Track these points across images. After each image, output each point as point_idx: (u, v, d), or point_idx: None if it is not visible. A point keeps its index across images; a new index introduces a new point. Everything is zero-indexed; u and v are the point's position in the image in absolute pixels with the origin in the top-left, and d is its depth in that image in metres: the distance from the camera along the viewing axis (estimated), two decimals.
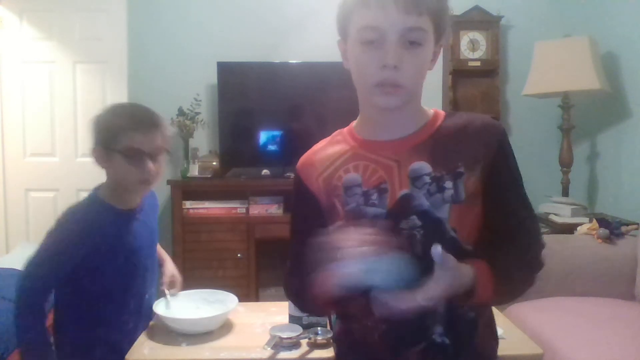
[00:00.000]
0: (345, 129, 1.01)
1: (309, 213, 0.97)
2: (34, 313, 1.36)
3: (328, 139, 1.02)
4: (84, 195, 1.58)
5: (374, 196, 0.90)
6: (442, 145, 0.91)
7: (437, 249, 0.76)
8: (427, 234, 0.87)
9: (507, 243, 0.89)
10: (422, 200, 0.88)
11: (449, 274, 0.78)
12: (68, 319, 1.48)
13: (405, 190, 0.89)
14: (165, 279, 1.69)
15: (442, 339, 0.89)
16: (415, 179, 0.89)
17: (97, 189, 1.50)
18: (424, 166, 0.89)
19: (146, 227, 1.55)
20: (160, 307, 1.57)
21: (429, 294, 0.76)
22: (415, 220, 0.87)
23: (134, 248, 1.50)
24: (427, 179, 0.88)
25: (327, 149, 0.99)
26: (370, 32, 0.85)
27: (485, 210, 0.91)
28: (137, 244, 1.51)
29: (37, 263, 1.38)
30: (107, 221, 1.44)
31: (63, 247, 1.39)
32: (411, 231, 0.87)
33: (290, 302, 1.43)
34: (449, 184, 0.88)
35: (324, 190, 0.95)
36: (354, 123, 1.00)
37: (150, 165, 1.40)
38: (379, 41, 0.84)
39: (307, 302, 1.00)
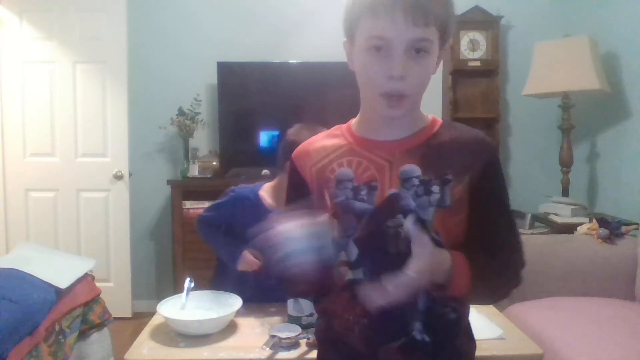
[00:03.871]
0: (344, 125, 1.04)
1: (299, 200, 1.00)
2: (211, 232, 1.98)
3: (326, 132, 1.06)
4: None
5: (364, 192, 0.93)
6: (434, 151, 0.94)
7: (409, 223, 0.83)
8: None
9: (487, 256, 0.92)
10: (409, 201, 0.90)
11: (427, 251, 0.82)
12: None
13: (393, 190, 0.91)
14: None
15: (421, 336, 0.92)
16: (405, 180, 0.92)
17: (261, 189, 1.99)
18: (414, 169, 0.92)
19: None
20: (164, 309, 1.57)
21: (413, 268, 0.80)
22: (401, 219, 0.90)
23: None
24: (416, 181, 0.91)
25: (324, 141, 1.02)
26: (377, 41, 0.86)
27: (468, 223, 0.94)
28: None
29: (211, 208, 1.99)
30: (253, 211, 1.84)
31: (223, 204, 1.95)
32: (396, 229, 0.90)
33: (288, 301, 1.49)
34: (436, 188, 0.91)
35: (316, 180, 0.98)
36: (353, 120, 1.03)
37: None
38: (386, 50, 0.86)
39: None
